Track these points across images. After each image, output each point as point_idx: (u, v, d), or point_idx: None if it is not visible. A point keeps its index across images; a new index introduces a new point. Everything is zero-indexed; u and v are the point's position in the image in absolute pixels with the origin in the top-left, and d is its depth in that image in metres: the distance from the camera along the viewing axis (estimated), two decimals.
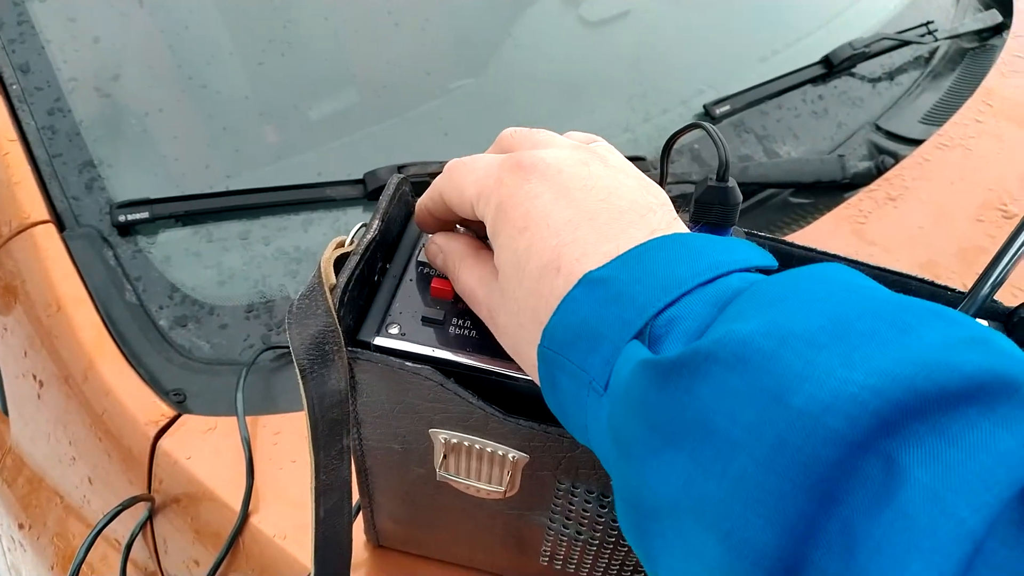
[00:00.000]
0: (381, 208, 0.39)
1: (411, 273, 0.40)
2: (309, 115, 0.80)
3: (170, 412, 0.57)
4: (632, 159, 0.75)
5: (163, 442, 0.56)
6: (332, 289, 0.35)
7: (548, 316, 0.29)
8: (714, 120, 0.86)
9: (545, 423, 0.35)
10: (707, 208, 0.41)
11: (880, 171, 0.83)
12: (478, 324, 0.37)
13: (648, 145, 0.84)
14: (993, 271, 0.36)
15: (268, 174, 0.74)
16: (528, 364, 0.32)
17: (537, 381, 0.31)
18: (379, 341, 0.37)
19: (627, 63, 0.93)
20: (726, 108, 0.86)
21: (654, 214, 0.31)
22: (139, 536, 0.56)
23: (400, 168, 0.70)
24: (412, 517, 0.47)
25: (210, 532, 0.53)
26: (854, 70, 0.95)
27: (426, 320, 0.37)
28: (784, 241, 0.43)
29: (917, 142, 0.86)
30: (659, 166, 0.46)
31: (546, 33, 0.93)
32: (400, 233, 0.42)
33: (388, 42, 0.86)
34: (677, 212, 0.33)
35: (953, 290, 0.41)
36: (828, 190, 0.82)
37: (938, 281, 0.41)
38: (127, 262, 0.66)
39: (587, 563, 0.44)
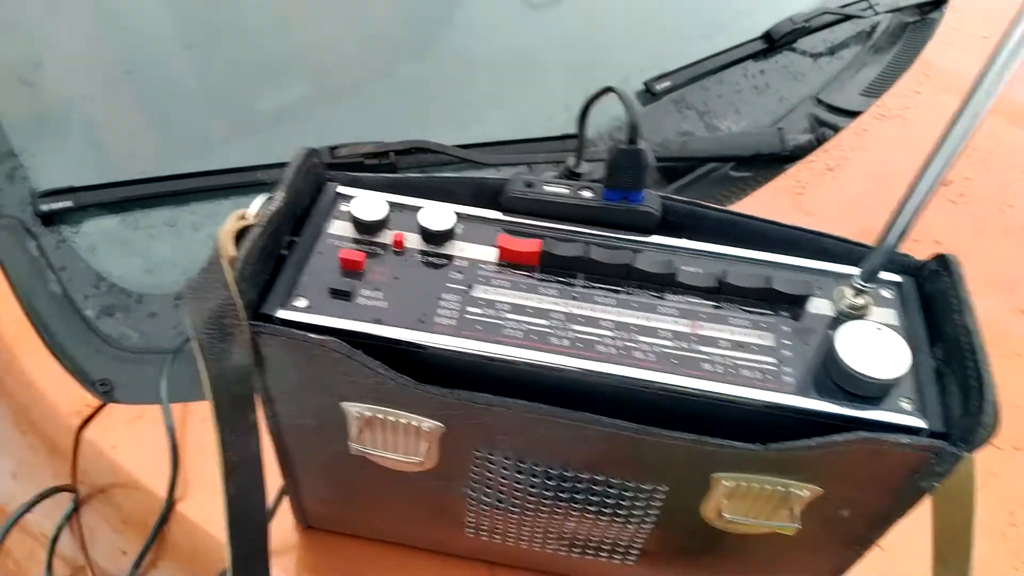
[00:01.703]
0: (287, 180, 0.38)
1: (321, 246, 0.39)
2: (246, 101, 0.78)
3: (95, 402, 0.56)
4: (568, 136, 0.75)
5: (87, 432, 0.54)
6: (232, 262, 0.34)
7: None
8: (655, 96, 0.85)
9: (456, 389, 0.35)
10: (619, 172, 0.40)
11: (820, 142, 0.83)
12: (388, 295, 0.36)
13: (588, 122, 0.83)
14: (896, 221, 0.36)
15: (201, 162, 0.72)
16: None
17: None
18: (283, 314, 0.36)
19: (570, 43, 0.93)
20: (667, 84, 0.86)
21: None
22: (66, 529, 0.55)
23: (332, 149, 0.69)
24: (337, 495, 0.46)
25: (136, 521, 0.52)
26: (795, 45, 0.95)
27: (334, 292, 0.36)
28: (701, 204, 0.42)
29: (857, 114, 0.87)
30: (576, 133, 0.46)
31: (489, 15, 0.92)
32: (309, 206, 0.41)
33: (330, 25, 0.85)
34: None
35: (865, 246, 0.41)
36: (768, 163, 0.82)
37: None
38: (51, 252, 0.64)
39: (511, 532, 0.43)
